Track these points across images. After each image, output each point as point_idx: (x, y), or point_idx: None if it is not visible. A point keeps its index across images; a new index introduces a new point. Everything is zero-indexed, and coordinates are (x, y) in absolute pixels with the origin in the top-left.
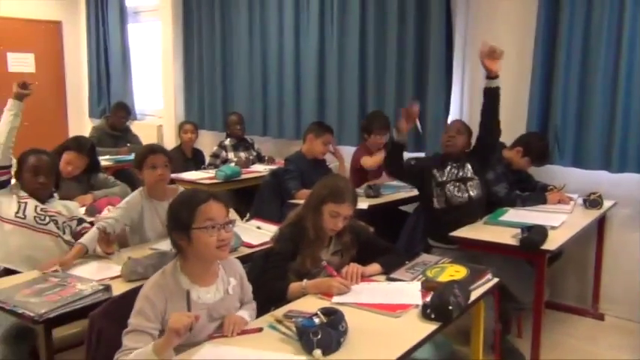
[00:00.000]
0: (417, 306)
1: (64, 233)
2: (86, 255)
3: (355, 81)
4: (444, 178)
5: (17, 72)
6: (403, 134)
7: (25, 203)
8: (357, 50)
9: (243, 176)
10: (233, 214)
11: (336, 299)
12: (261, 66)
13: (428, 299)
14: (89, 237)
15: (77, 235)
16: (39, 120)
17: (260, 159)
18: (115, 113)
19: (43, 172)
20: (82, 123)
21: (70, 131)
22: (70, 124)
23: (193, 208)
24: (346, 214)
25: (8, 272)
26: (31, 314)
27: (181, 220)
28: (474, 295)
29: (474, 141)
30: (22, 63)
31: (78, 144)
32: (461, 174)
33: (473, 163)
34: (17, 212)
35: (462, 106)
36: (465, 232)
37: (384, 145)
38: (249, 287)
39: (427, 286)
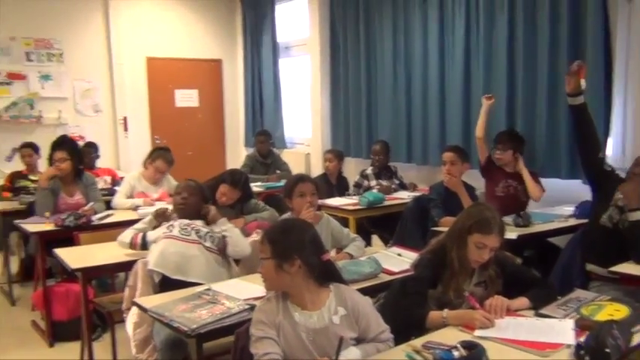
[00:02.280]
0: (568, 346)
1: (205, 241)
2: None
3: (503, 106)
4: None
5: (184, 107)
6: (573, 96)
7: (177, 223)
8: (504, 75)
9: (387, 203)
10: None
11: (478, 333)
12: (406, 93)
13: (582, 340)
14: None
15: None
16: (201, 149)
17: (403, 186)
18: (257, 139)
19: (185, 191)
20: (237, 152)
21: (228, 159)
22: (227, 153)
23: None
24: (493, 246)
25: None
26: (185, 329)
27: (279, 248)
28: (636, 338)
29: None
30: (188, 98)
31: (232, 178)
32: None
33: None
34: (166, 229)
35: (624, 124)
36: (629, 268)
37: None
38: (370, 321)
39: (582, 325)
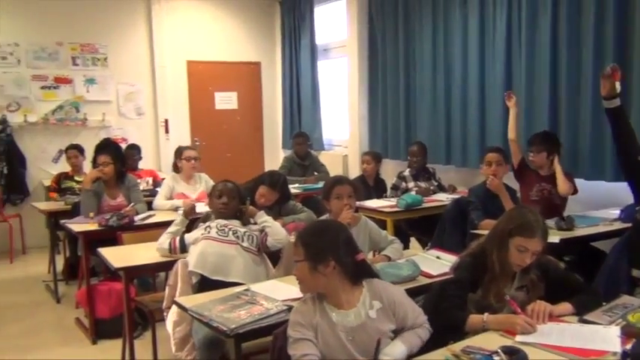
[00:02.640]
0: (614, 354)
1: (242, 242)
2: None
3: (545, 108)
4: None
5: (223, 109)
6: (609, 99)
7: (214, 223)
8: (547, 76)
9: (425, 205)
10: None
11: (519, 338)
12: (445, 95)
13: (628, 347)
14: None
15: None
16: (239, 150)
17: (441, 188)
18: (295, 141)
19: (226, 195)
20: (275, 153)
21: (266, 161)
22: (265, 155)
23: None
24: (535, 250)
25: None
26: (224, 328)
27: (312, 251)
28: None
29: None
30: (227, 101)
31: (271, 180)
32: None
33: None
34: (203, 232)
35: None
36: None
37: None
38: (406, 310)
39: (628, 332)
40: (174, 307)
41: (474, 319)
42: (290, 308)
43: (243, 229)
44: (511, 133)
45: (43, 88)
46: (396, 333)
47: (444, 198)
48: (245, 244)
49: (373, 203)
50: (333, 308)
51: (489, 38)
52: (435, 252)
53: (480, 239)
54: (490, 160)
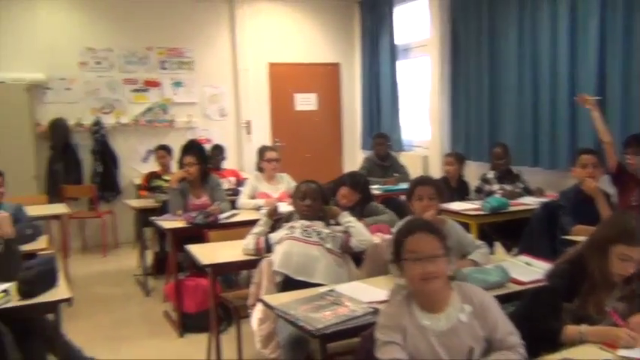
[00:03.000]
0: None
1: (326, 243)
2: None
3: None
4: None
5: (303, 110)
6: None
7: (298, 223)
8: None
9: (511, 208)
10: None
11: (622, 352)
12: (532, 94)
13: None
14: None
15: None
16: (318, 151)
17: (528, 191)
18: (375, 141)
19: (309, 197)
20: (354, 154)
21: (344, 162)
22: (344, 155)
23: (401, 239)
24: (639, 259)
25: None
26: (310, 328)
27: (395, 250)
28: None
29: None
30: (306, 102)
31: (352, 181)
32: None
33: None
34: (287, 233)
35: None
36: None
37: None
38: (497, 320)
39: None
40: (258, 305)
41: (571, 330)
42: (376, 311)
43: (326, 231)
44: (604, 136)
45: (133, 91)
46: (486, 342)
47: (531, 202)
48: (329, 245)
49: (456, 206)
50: (423, 311)
51: (581, 36)
52: (524, 258)
53: (576, 245)
54: (586, 162)
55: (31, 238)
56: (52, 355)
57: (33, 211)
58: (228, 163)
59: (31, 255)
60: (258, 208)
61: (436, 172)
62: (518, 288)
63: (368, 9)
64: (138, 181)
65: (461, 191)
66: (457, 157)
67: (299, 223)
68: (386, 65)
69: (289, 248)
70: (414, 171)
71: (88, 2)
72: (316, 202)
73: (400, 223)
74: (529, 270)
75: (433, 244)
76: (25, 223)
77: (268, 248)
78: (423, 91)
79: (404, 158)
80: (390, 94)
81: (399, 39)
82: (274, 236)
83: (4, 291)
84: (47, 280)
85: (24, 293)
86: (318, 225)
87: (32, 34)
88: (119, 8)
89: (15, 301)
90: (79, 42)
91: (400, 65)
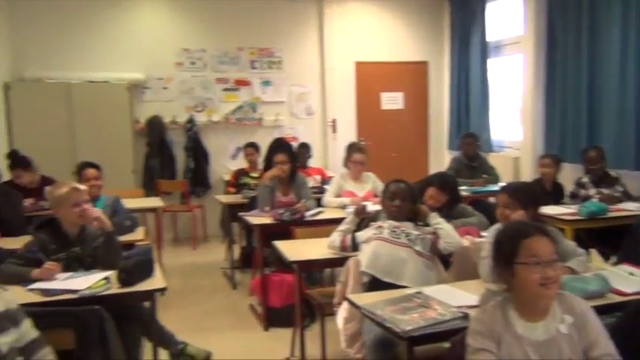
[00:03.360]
0: None
1: (415, 245)
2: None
3: None
4: None
5: (389, 109)
6: None
7: (385, 223)
8: None
9: (610, 214)
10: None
11: None
12: (635, 94)
13: None
14: None
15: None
16: (404, 151)
17: (629, 196)
18: (464, 142)
19: (399, 197)
20: (441, 154)
21: (430, 162)
22: (430, 155)
23: (516, 242)
24: None
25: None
26: (398, 330)
27: (505, 252)
28: None
29: None
30: (393, 101)
31: (441, 182)
32: None
33: None
34: (375, 232)
35: None
36: None
37: None
38: (598, 336)
39: None
40: (344, 304)
41: None
42: (465, 316)
43: (415, 232)
44: None
45: (225, 90)
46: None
47: (632, 207)
48: (418, 247)
49: (551, 210)
50: (520, 319)
51: None
52: (626, 267)
53: None
54: None
55: (130, 229)
56: (147, 339)
57: (130, 203)
58: (313, 162)
59: (130, 245)
60: (343, 207)
61: (527, 174)
62: (619, 299)
63: (458, 6)
64: (227, 177)
65: (555, 195)
66: (554, 159)
67: (387, 224)
68: (476, 63)
69: (377, 249)
70: (504, 172)
71: (184, 6)
72: (405, 202)
73: (497, 227)
74: (632, 280)
75: (551, 248)
76: (125, 215)
77: (354, 247)
78: (515, 89)
79: (493, 159)
80: (480, 93)
81: (490, 36)
82: (361, 235)
83: (106, 278)
84: (145, 269)
85: (123, 281)
86: (407, 226)
87: (134, 38)
88: (213, 11)
89: (115, 289)
90: (176, 43)
91: (491, 63)
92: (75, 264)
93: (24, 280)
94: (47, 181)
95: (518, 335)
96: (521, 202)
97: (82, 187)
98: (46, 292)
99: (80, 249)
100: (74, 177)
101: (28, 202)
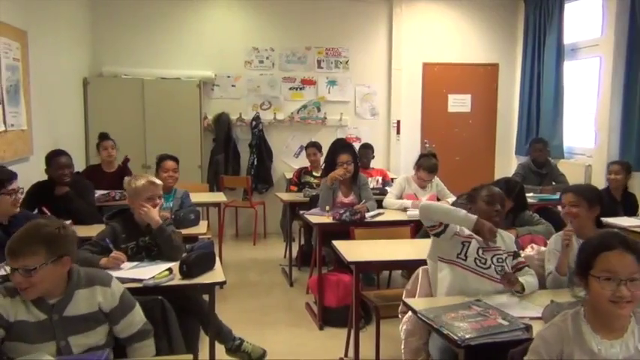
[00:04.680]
0: None
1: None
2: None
3: None
4: None
5: (455, 112)
6: None
7: (469, 243)
8: None
9: None
10: None
11: None
12: None
13: None
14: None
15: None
16: (469, 155)
17: None
18: (534, 147)
19: (498, 201)
20: (507, 159)
21: (496, 167)
22: (496, 160)
23: (596, 253)
24: None
25: None
26: (455, 337)
27: (582, 262)
28: None
29: None
30: (460, 104)
31: (507, 187)
32: None
33: None
34: (459, 253)
35: None
36: None
37: None
38: None
39: None
40: (409, 315)
41: None
42: (527, 327)
43: (503, 256)
44: None
45: (291, 89)
46: None
47: None
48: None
49: (622, 221)
50: (595, 335)
51: None
52: None
53: None
54: None
55: (194, 222)
56: (204, 332)
57: (195, 198)
58: (375, 162)
59: (194, 238)
60: (404, 209)
61: (599, 182)
62: None
63: (535, 6)
64: (289, 175)
65: (626, 205)
66: (624, 166)
67: (474, 244)
68: (550, 66)
69: (461, 280)
70: (575, 180)
71: (254, 5)
72: (503, 207)
73: (558, 236)
74: None
75: (632, 266)
76: (190, 209)
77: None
78: (589, 94)
79: (563, 166)
80: (553, 98)
81: (566, 38)
82: (443, 246)
83: (169, 269)
84: (206, 262)
85: (184, 273)
86: (496, 249)
87: (205, 36)
88: (283, 10)
89: (177, 280)
90: (245, 42)
91: (567, 66)
92: (142, 253)
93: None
94: (125, 170)
95: (592, 352)
96: (587, 199)
97: (158, 181)
98: None
99: (149, 239)
100: (144, 169)
101: (100, 192)
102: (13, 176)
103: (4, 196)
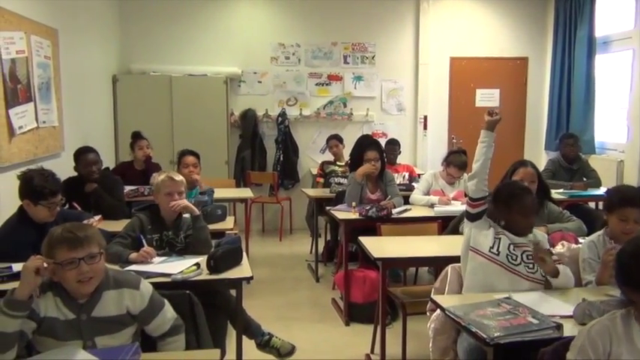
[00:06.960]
0: None
1: (536, 273)
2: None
3: None
4: None
5: (483, 106)
6: None
7: (500, 239)
8: None
9: None
10: None
11: None
12: None
13: None
14: None
15: None
16: (498, 150)
17: None
18: (564, 142)
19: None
20: (536, 155)
21: None
22: (525, 156)
23: None
24: None
25: None
26: (484, 335)
27: (626, 274)
28: None
29: None
30: (488, 98)
31: (532, 165)
32: None
33: None
34: (492, 247)
35: None
36: None
37: None
38: None
39: None
40: (438, 313)
41: None
42: (558, 326)
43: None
44: None
45: (317, 84)
46: None
47: None
48: (538, 275)
49: None
50: None
51: None
52: None
53: None
54: None
55: (221, 217)
56: (232, 327)
57: (222, 193)
58: (402, 158)
59: (221, 233)
60: (430, 205)
61: (632, 179)
62: None
63: None
64: (315, 170)
65: None
66: None
67: (506, 242)
68: (581, 59)
69: (492, 276)
70: (606, 176)
71: (280, 1)
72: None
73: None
74: None
75: None
76: (217, 204)
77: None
78: (622, 88)
79: (594, 162)
80: (584, 92)
81: (597, 31)
82: (475, 236)
83: (197, 264)
84: (233, 258)
85: (212, 268)
86: (529, 237)
87: (231, 33)
88: (309, 6)
89: (204, 275)
90: (272, 38)
91: (598, 60)
92: (165, 248)
93: (122, 262)
94: (152, 165)
95: None
96: None
97: (179, 177)
98: (141, 273)
99: (173, 233)
100: (172, 165)
101: (130, 188)
102: (57, 190)
103: (43, 207)
